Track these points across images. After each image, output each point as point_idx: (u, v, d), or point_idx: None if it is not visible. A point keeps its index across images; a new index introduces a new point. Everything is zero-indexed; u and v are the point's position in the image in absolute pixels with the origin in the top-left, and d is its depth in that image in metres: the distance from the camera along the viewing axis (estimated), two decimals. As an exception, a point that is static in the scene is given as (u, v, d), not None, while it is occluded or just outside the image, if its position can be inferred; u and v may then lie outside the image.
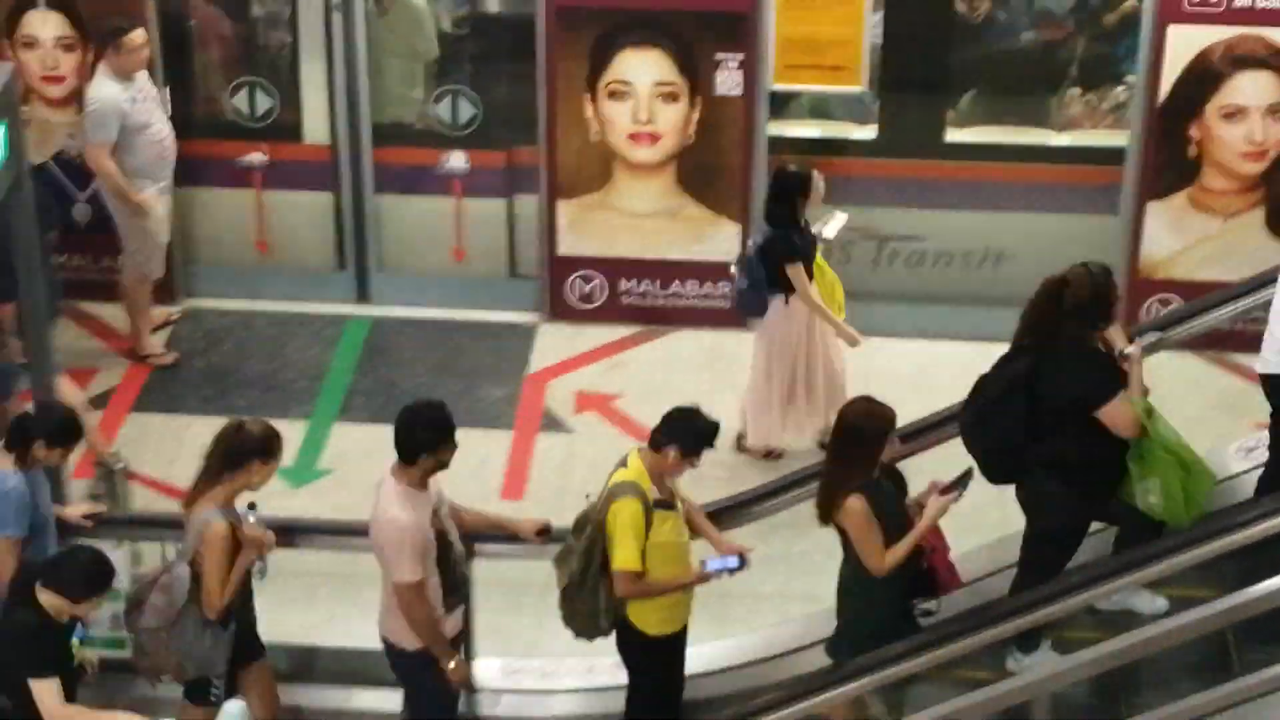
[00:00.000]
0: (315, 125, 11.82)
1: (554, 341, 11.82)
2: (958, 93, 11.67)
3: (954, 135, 11.61)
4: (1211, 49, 10.87)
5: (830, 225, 10.55)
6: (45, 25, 11.41)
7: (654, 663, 8.40)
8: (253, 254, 12.11)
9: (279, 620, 8.77)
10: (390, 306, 12.08)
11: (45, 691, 7.38)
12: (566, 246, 11.75)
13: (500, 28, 11.79)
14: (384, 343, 11.82)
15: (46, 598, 7.45)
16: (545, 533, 8.49)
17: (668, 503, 8.15)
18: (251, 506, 8.07)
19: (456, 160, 11.77)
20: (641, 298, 11.88)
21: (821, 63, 11.11)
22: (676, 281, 11.82)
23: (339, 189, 11.89)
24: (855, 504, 7.69)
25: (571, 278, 11.85)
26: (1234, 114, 11.01)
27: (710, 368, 11.56)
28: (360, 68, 11.55)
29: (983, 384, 8.14)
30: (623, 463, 8.18)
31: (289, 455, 10.59)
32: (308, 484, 10.51)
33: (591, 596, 8.20)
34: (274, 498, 10.21)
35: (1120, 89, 11.45)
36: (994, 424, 8.00)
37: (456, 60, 11.89)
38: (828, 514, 7.83)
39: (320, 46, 11.58)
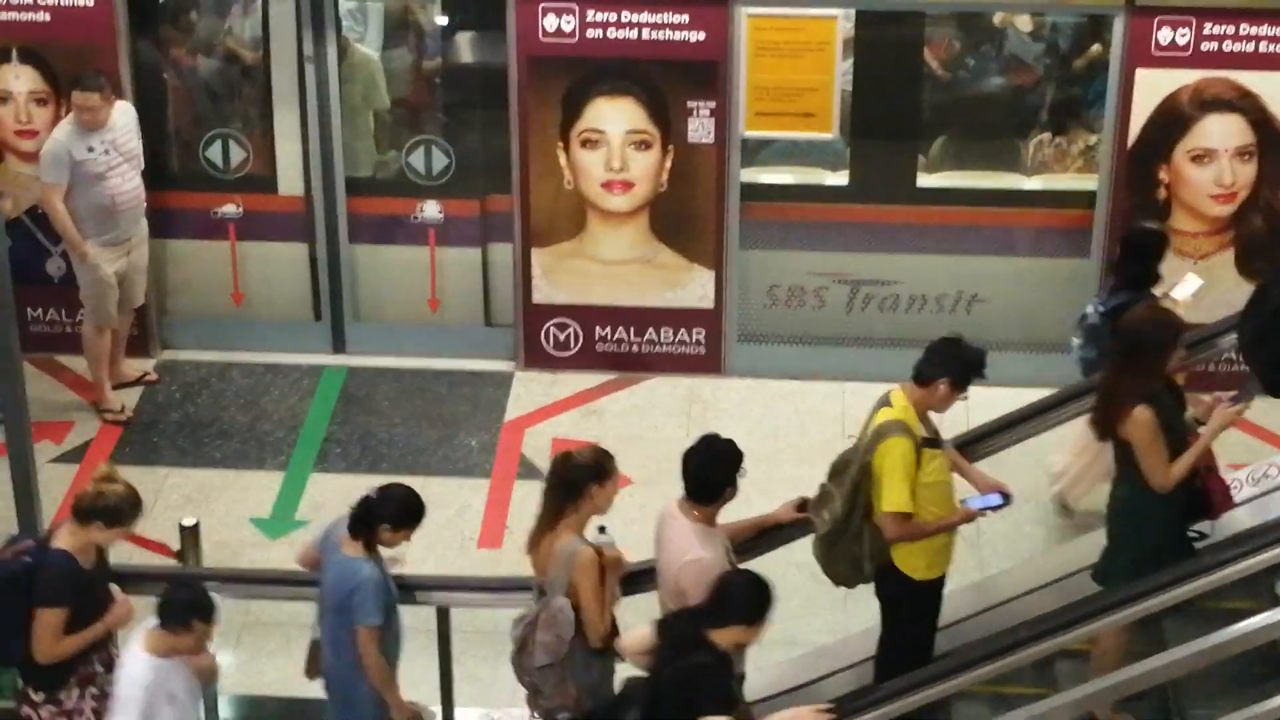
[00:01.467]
0: (289, 176, 11.84)
1: (530, 389, 11.84)
2: (929, 138, 11.73)
3: (925, 180, 11.66)
4: (1179, 92, 10.96)
5: (1182, 287, 9.73)
6: (18, 79, 11.43)
7: (917, 610, 8.18)
8: (228, 305, 12.12)
9: (259, 671, 8.73)
10: (366, 356, 12.09)
11: None
12: (541, 294, 11.78)
13: (472, 78, 11.82)
14: (360, 392, 11.83)
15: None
16: (803, 508, 8.26)
17: (934, 440, 7.93)
18: (601, 530, 7.93)
19: (431, 210, 11.81)
20: (617, 345, 11.91)
21: (793, 110, 11.17)
22: (651, 328, 11.85)
23: (314, 240, 11.92)
24: (1143, 415, 7.49)
25: (547, 325, 11.87)
26: (1202, 157, 11.08)
27: (686, 413, 11.58)
28: (333, 119, 11.58)
29: (1259, 298, 7.98)
30: (885, 402, 7.96)
31: (264, 507, 10.68)
32: (285, 535, 10.49)
33: (855, 542, 7.99)
34: (248, 550, 10.28)
35: (1090, 133, 11.53)
36: (1272, 338, 7.85)
37: (429, 110, 11.93)
38: (1109, 427, 7.59)
39: (293, 98, 11.61)
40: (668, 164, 11.38)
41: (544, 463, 11.02)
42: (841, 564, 8.11)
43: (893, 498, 7.83)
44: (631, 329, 11.85)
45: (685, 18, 11.00)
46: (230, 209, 11.86)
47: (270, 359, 12.07)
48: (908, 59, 11.43)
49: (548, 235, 11.62)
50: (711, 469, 7.81)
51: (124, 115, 11.08)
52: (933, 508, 7.94)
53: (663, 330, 11.85)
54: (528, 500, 10.64)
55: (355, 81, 11.67)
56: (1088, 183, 11.45)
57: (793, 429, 11.40)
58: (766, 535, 8.40)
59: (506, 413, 11.62)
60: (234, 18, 11.86)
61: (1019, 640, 7.71)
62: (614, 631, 7.88)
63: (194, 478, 10.98)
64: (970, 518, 8.02)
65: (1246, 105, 10.97)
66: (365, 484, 10.71)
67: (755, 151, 11.64)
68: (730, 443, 7.87)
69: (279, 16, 11.46)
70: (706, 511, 7.83)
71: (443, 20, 11.74)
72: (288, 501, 10.78)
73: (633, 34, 11.06)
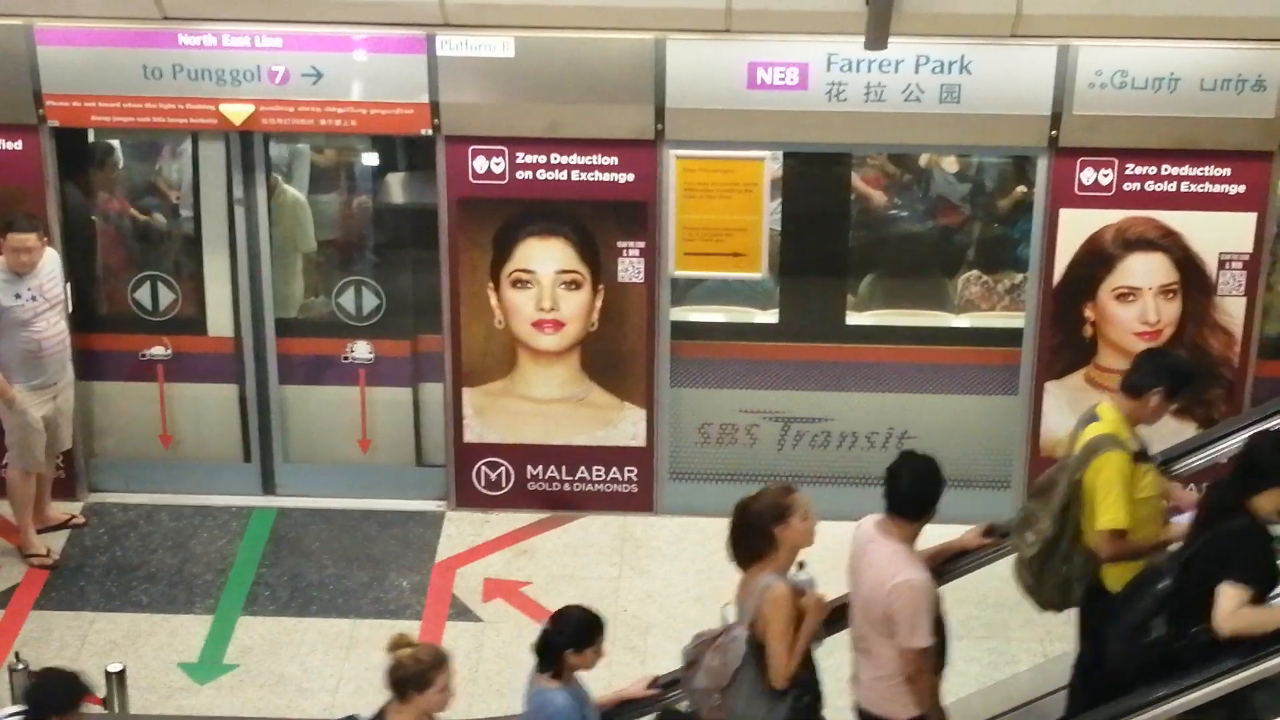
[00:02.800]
0: (219, 318, 11.83)
1: (461, 529, 11.79)
2: (857, 277, 11.83)
3: (854, 319, 11.75)
4: (1103, 232, 11.09)
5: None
6: (-53, 222, 11.40)
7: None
8: (157, 447, 12.05)
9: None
10: (296, 497, 12.03)
11: None
12: (472, 434, 11.76)
13: (402, 218, 11.87)
14: (290, 533, 11.75)
15: None
16: (990, 533, 8.11)
17: (1145, 454, 7.77)
18: (800, 565, 7.78)
19: (361, 350, 11.80)
20: (548, 484, 11.89)
21: (721, 249, 11.26)
22: (583, 467, 11.84)
23: (243, 380, 11.88)
24: None
25: (478, 465, 11.85)
26: (1127, 294, 11.20)
27: (619, 552, 11.55)
28: (263, 260, 11.59)
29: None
30: (1092, 417, 7.83)
31: (193, 651, 10.56)
32: (213, 679, 10.36)
33: (1065, 563, 7.81)
34: (176, 695, 10.15)
35: (1016, 272, 11.65)
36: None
37: (360, 250, 11.96)
38: None
39: (223, 240, 11.62)
40: (598, 303, 11.43)
41: (476, 603, 11.01)
42: (1049, 587, 7.90)
43: (1110, 514, 7.63)
44: (563, 468, 11.84)
45: (615, 159, 11.09)
46: (159, 350, 11.82)
47: (199, 500, 11.99)
48: (835, 199, 11.54)
49: (479, 374, 11.62)
50: (923, 485, 7.64)
51: (49, 260, 11.05)
52: (1145, 525, 7.74)
53: (594, 469, 11.84)
54: (459, 640, 10.62)
55: (282, 223, 11.70)
56: (1014, 320, 11.55)
57: (726, 566, 11.28)
58: (950, 562, 8.25)
59: (438, 553, 11.56)
60: (164, 159, 11.88)
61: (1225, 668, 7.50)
62: (808, 675, 7.71)
63: (120, 622, 10.85)
64: (1183, 536, 7.77)
65: (1169, 244, 11.11)
66: (295, 626, 10.73)
67: (686, 290, 11.71)
68: (931, 460, 7.74)
69: (208, 159, 11.48)
70: (910, 530, 7.66)
71: (373, 161, 11.80)
72: (216, 645, 10.66)
73: (562, 175, 11.13)
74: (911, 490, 7.67)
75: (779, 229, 11.43)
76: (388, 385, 11.89)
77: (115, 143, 11.75)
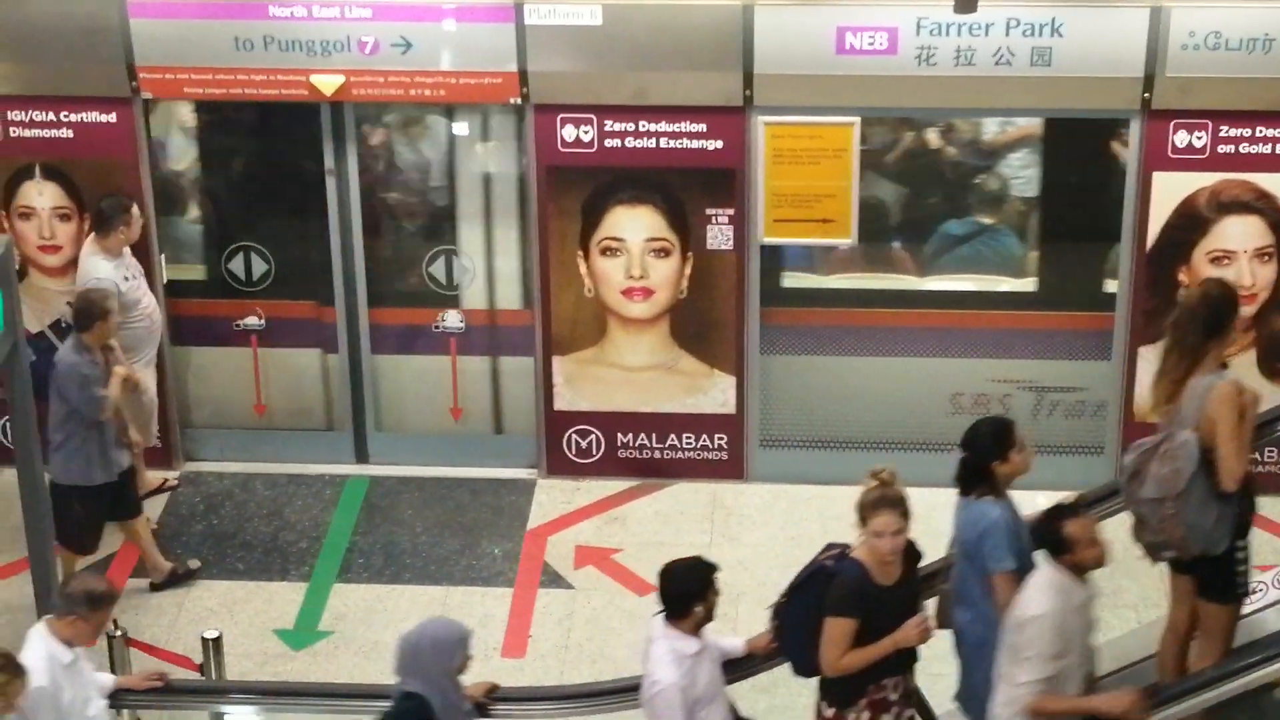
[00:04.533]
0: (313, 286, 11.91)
1: (552, 497, 11.84)
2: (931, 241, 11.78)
3: (930, 284, 11.76)
4: (1197, 195, 10.99)
5: None
6: (42, 195, 11.52)
7: None
8: (251, 416, 12.16)
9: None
10: (388, 465, 12.12)
11: None
12: (563, 402, 11.80)
13: (489, 188, 11.92)
14: (383, 501, 11.83)
15: None
16: None
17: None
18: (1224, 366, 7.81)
19: (453, 319, 11.85)
20: (639, 451, 11.91)
21: (811, 216, 11.23)
22: (673, 434, 11.85)
23: (337, 349, 11.96)
24: None
25: (568, 433, 11.88)
26: (1221, 258, 11.10)
27: (710, 519, 11.56)
28: (354, 230, 11.65)
29: None
30: None
31: (288, 618, 10.66)
32: (308, 646, 10.46)
33: None
34: (271, 661, 10.26)
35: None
36: None
37: (448, 221, 12.01)
38: None
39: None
40: (687, 270, 11.43)
41: (567, 570, 11.06)
42: None
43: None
44: (653, 435, 11.86)
45: (703, 126, 11.08)
46: (253, 320, 11.91)
47: (293, 469, 12.10)
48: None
49: (569, 343, 11.65)
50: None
51: None
52: None
53: (684, 436, 11.85)
54: (551, 608, 10.67)
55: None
56: (1108, 285, 11.45)
57: (817, 534, 11.30)
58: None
59: (529, 520, 11.61)
60: (256, 131, 11.97)
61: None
62: (1250, 475, 7.67)
63: (217, 589, 10.97)
64: None
65: (1264, 206, 11.00)
66: (388, 593, 10.81)
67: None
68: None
69: (296, 127, 11.57)
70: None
71: (462, 130, 11.82)
72: (311, 612, 10.76)
73: (651, 143, 11.13)
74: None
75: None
76: (479, 354, 11.94)
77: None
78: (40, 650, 7.84)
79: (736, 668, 8.25)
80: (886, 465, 7.80)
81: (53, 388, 10.31)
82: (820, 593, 7.81)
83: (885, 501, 7.67)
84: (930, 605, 8.14)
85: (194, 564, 11.02)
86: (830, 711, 7.99)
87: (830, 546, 8.00)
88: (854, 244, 11.39)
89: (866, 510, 7.70)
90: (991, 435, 7.93)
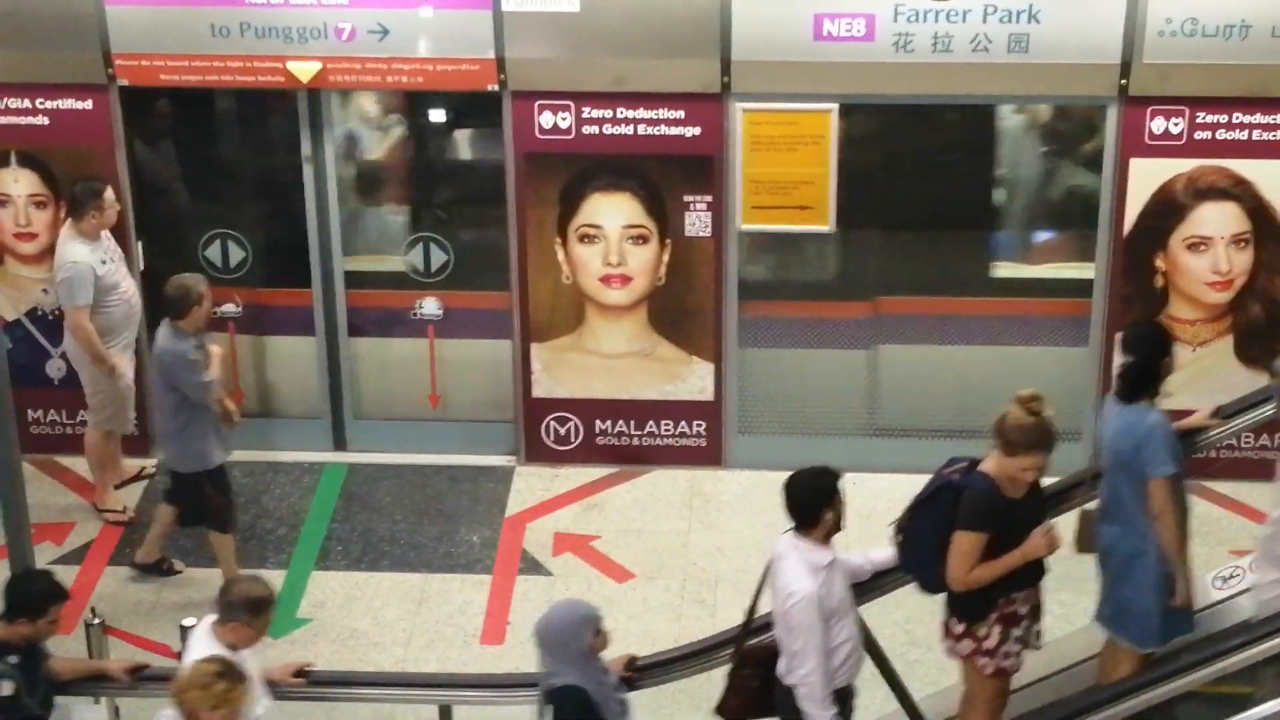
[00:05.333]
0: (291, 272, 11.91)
1: (531, 484, 11.83)
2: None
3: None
4: (1174, 181, 11.01)
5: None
6: (17, 183, 11.49)
7: None
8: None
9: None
10: (367, 453, 12.10)
11: None
12: (541, 389, 11.79)
13: (470, 175, 11.90)
14: (361, 489, 11.82)
15: None
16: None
17: None
18: None
19: (430, 305, 11.84)
20: (617, 438, 11.91)
21: (789, 203, 11.23)
22: (651, 421, 11.85)
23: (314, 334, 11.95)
24: None
25: (547, 420, 11.88)
26: (1198, 244, 11.12)
27: (688, 506, 11.57)
28: (332, 216, 11.63)
29: None
30: None
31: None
32: (286, 633, 10.45)
33: None
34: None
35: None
36: None
37: (429, 208, 11.99)
38: None
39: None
40: (665, 258, 11.43)
41: (546, 557, 11.08)
42: None
43: None
44: (632, 422, 11.86)
45: (681, 113, 11.07)
46: (230, 307, 11.89)
47: (272, 457, 12.08)
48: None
49: (547, 330, 11.65)
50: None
51: None
52: None
53: (663, 423, 11.85)
54: (530, 595, 10.67)
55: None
56: (1085, 271, 11.47)
57: (794, 521, 11.37)
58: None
59: (508, 508, 11.61)
60: (231, 119, 11.94)
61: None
62: None
63: (195, 577, 10.95)
64: None
65: (1241, 193, 11.02)
66: (367, 581, 10.80)
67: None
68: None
69: (278, 118, 11.54)
70: None
71: (440, 118, 11.81)
72: (289, 599, 10.75)
73: (629, 130, 11.12)
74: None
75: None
76: (455, 339, 11.93)
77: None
78: (205, 654, 7.71)
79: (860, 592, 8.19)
80: (1033, 390, 7.81)
81: (158, 379, 10.36)
82: (946, 508, 7.80)
83: (1042, 442, 7.69)
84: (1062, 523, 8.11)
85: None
86: (960, 627, 7.99)
87: (953, 461, 7.98)
88: (832, 231, 11.40)
89: (1018, 443, 7.68)
90: (1153, 336, 8.02)
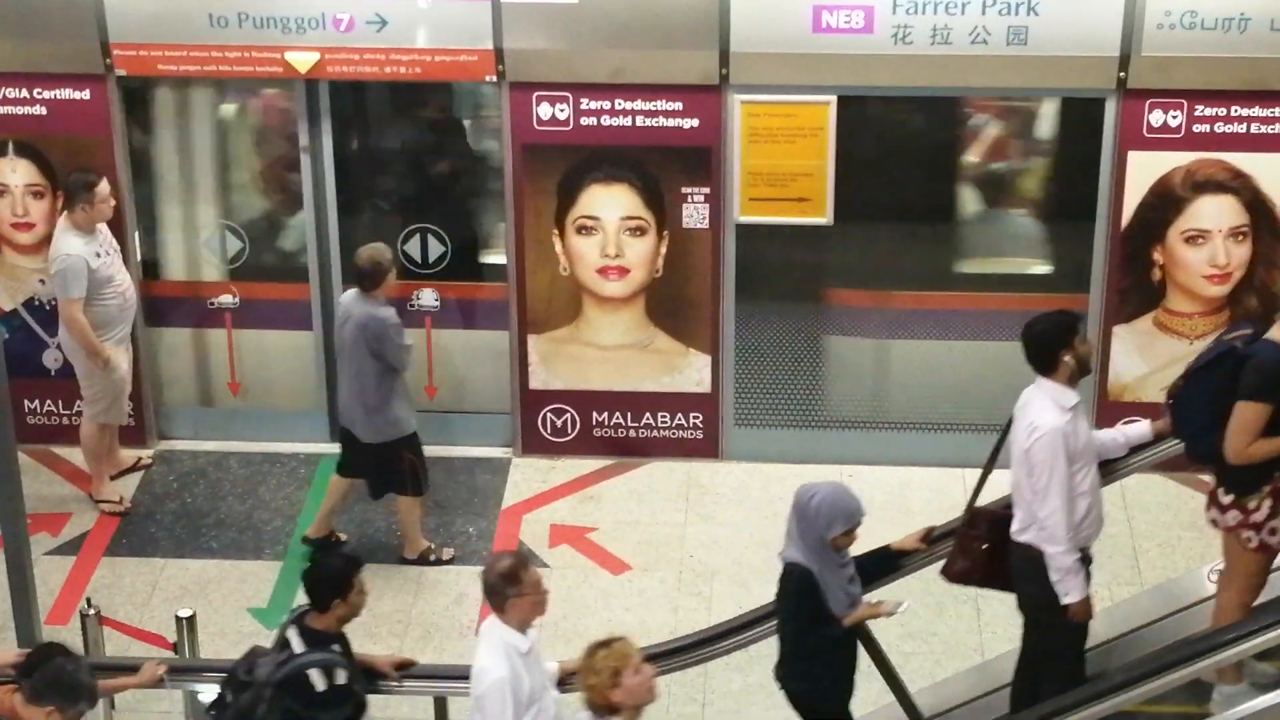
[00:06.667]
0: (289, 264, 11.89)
1: (527, 475, 11.83)
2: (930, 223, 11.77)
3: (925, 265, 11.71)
4: (1172, 174, 11.00)
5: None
6: (14, 172, 11.47)
7: None
8: (225, 395, 12.14)
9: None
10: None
11: None
12: (538, 381, 11.78)
13: (467, 166, 11.89)
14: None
15: None
16: None
17: None
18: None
19: (427, 297, 11.83)
20: (614, 430, 11.90)
21: (787, 195, 11.22)
22: (648, 413, 11.85)
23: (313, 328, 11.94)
24: None
25: (544, 412, 11.88)
26: (1196, 238, 11.11)
27: (685, 497, 11.57)
28: (329, 208, 11.62)
29: None
30: None
31: (262, 597, 10.65)
32: (282, 625, 10.45)
33: None
34: (245, 640, 10.22)
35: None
36: None
37: (425, 198, 11.97)
38: None
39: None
40: (663, 249, 11.42)
41: (543, 549, 11.07)
42: None
43: None
44: (629, 414, 11.86)
45: (679, 105, 11.06)
46: (227, 299, 11.88)
47: (268, 448, 12.07)
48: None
49: (544, 322, 11.64)
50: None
51: None
52: None
53: (660, 415, 11.85)
54: (526, 587, 10.64)
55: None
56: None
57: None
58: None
59: (504, 499, 11.60)
60: (232, 110, 11.93)
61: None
62: None
63: (191, 568, 10.96)
64: None
65: (1239, 186, 11.01)
66: (363, 572, 10.76)
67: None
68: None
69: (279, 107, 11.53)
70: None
71: (440, 111, 11.80)
72: (285, 590, 10.74)
73: (627, 121, 11.11)
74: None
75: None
76: (453, 330, 11.93)
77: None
78: (496, 639, 7.65)
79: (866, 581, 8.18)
80: None
81: (363, 350, 10.43)
82: (1226, 375, 7.71)
83: None
84: None
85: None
86: (1228, 498, 7.92)
87: (1236, 326, 7.91)
88: (830, 224, 11.38)
89: None
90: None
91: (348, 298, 10.62)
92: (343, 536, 11.11)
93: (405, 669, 8.30)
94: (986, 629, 10.04)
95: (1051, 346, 7.82)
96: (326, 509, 11.02)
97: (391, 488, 10.88)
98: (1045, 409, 7.77)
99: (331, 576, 7.91)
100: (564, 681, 7.98)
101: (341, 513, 11.15)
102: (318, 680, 7.66)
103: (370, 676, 8.13)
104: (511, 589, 7.61)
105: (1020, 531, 7.91)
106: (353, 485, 11.03)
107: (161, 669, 8.20)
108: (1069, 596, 7.84)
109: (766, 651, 8.65)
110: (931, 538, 8.36)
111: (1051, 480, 7.69)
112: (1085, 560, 7.93)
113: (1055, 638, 8.00)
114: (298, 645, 7.77)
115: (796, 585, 7.66)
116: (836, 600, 7.70)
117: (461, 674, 8.02)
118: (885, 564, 8.31)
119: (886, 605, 7.87)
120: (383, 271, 10.42)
